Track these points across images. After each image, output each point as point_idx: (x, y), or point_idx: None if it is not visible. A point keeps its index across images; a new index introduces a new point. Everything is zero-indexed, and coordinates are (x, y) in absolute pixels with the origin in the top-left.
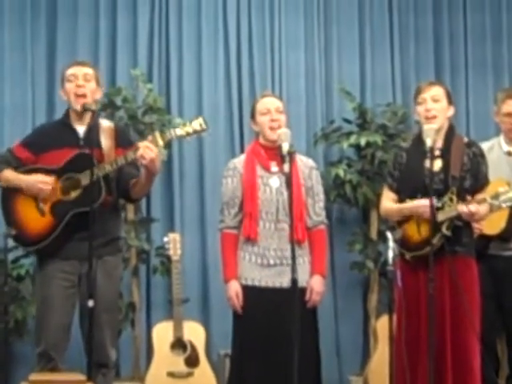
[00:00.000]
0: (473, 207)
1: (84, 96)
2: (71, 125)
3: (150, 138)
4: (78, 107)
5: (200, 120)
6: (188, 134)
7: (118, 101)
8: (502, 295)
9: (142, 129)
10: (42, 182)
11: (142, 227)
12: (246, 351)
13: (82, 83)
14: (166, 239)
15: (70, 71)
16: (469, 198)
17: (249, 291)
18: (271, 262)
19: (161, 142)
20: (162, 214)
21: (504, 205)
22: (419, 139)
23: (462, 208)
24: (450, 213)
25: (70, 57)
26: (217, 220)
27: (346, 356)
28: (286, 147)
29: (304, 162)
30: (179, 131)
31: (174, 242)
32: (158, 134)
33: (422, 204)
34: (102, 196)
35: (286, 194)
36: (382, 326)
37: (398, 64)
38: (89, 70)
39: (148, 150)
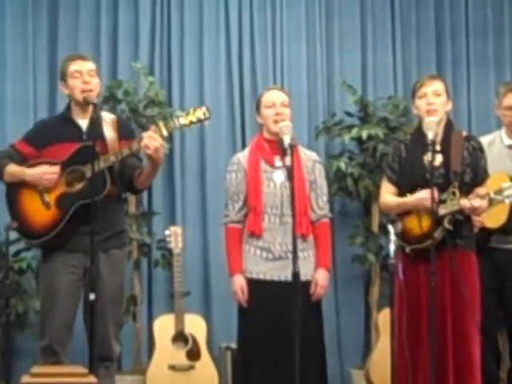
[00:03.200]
0: (475, 202)
1: (90, 91)
2: (73, 119)
3: (153, 127)
4: (82, 99)
5: (203, 109)
6: (191, 123)
7: (120, 94)
8: (503, 288)
9: (144, 122)
10: (48, 172)
11: (144, 220)
12: (252, 344)
13: (88, 79)
14: (167, 232)
15: (74, 67)
16: (471, 194)
17: (254, 284)
18: (276, 255)
19: (165, 132)
20: (164, 207)
21: (507, 200)
22: (419, 133)
23: (465, 203)
24: (452, 207)
25: (72, 50)
26: (218, 213)
27: (347, 349)
28: (287, 140)
29: (308, 156)
30: (183, 120)
31: (175, 235)
32: (161, 124)
33: (423, 196)
34: (107, 187)
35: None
36: (383, 319)
37: (399, 57)
38: (91, 66)
39: (152, 139)
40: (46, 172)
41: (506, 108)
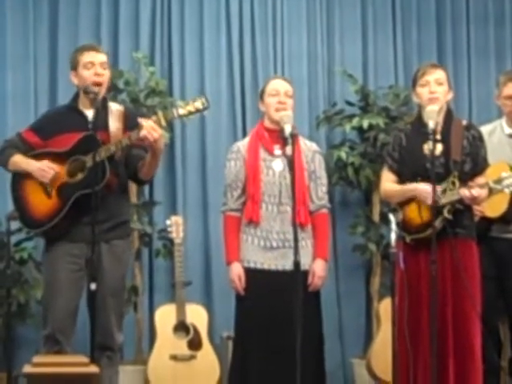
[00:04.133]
0: (475, 192)
1: (101, 84)
2: (80, 109)
3: (153, 118)
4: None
5: (202, 99)
6: (190, 113)
7: (120, 84)
8: (504, 277)
9: (144, 112)
10: (45, 168)
11: (145, 210)
12: (249, 333)
13: (101, 72)
14: (168, 222)
15: (87, 58)
16: (471, 183)
17: (251, 274)
18: (274, 244)
19: (163, 122)
20: (165, 197)
21: (507, 190)
22: (419, 121)
23: (464, 192)
24: (452, 196)
25: (73, 41)
26: (219, 203)
27: (348, 339)
28: (288, 129)
29: (308, 146)
30: (181, 110)
31: (176, 225)
32: (160, 114)
33: (424, 189)
34: (106, 177)
35: (288, 177)
36: (384, 308)
37: (400, 47)
38: (104, 58)
39: (152, 130)
40: (42, 168)
41: (506, 97)
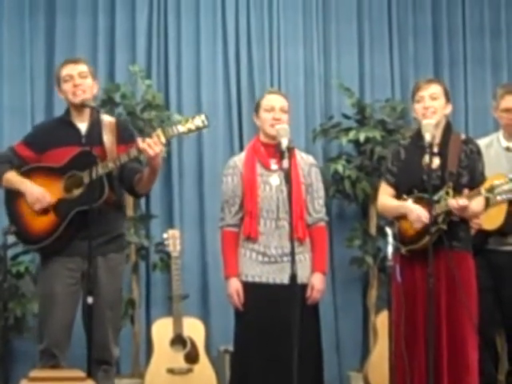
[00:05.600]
0: (461, 201)
1: (83, 93)
2: (72, 122)
3: (153, 135)
4: (78, 101)
5: (202, 117)
6: (190, 131)
7: (117, 97)
8: (502, 290)
9: (141, 125)
10: (39, 198)
11: (142, 224)
12: (248, 347)
13: (79, 82)
14: (165, 235)
15: (65, 71)
16: (466, 191)
17: (249, 288)
18: (272, 259)
19: (163, 139)
20: (162, 211)
21: (499, 197)
22: (418, 136)
23: (452, 202)
24: (443, 207)
25: (69, 54)
26: (216, 216)
27: (345, 352)
28: (284, 143)
29: (304, 159)
30: (181, 128)
31: (173, 239)
32: (160, 131)
33: (414, 210)
34: (105, 194)
35: (285, 191)
36: (381, 321)
37: (396, 60)
38: (83, 67)
39: (153, 144)
40: (37, 197)
41: (503, 110)
